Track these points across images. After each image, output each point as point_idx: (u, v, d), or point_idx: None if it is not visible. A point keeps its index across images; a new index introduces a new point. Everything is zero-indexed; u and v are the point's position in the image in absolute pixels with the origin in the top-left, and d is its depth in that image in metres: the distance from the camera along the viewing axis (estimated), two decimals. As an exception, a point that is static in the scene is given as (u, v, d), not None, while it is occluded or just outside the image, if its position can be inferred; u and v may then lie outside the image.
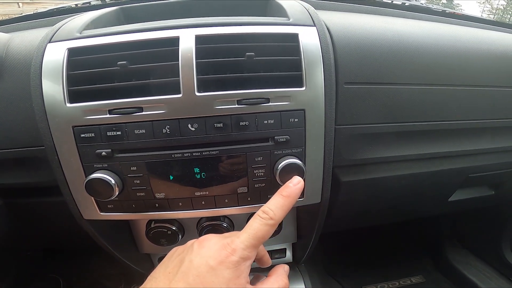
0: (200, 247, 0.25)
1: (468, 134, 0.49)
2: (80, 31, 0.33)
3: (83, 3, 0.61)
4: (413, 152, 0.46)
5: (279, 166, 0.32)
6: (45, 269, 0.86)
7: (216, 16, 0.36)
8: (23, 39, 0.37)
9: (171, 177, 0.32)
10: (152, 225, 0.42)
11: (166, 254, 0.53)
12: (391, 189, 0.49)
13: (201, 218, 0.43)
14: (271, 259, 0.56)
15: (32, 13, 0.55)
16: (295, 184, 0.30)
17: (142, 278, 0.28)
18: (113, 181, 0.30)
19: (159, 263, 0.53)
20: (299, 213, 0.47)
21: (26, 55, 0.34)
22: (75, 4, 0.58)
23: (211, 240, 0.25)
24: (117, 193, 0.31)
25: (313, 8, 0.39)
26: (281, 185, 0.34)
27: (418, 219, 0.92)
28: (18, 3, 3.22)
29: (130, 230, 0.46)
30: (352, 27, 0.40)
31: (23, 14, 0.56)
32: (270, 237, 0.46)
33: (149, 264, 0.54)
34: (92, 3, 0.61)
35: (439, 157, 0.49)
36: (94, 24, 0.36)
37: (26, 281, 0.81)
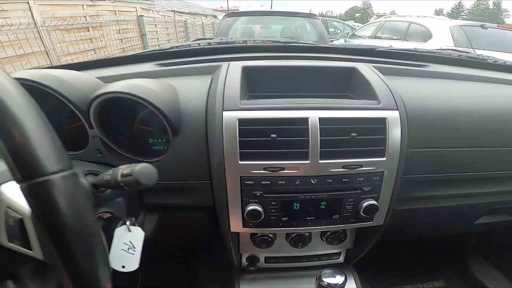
0: None
1: (496, 180, 0.63)
2: (239, 100, 0.48)
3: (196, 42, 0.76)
4: (454, 192, 0.61)
5: (363, 205, 0.50)
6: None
7: (312, 80, 0.51)
8: (190, 99, 0.51)
9: (295, 208, 0.50)
10: (259, 234, 0.60)
11: (253, 254, 0.71)
12: (432, 215, 0.65)
13: None
14: (327, 260, 0.75)
15: (156, 51, 0.71)
16: None
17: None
18: (261, 210, 0.49)
19: (247, 261, 0.72)
20: (360, 229, 0.64)
21: (199, 116, 0.49)
22: (197, 43, 0.72)
23: None
24: (261, 218, 0.49)
25: (397, 91, 0.52)
26: (362, 216, 0.51)
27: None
28: (82, 5, 3.50)
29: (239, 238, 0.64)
30: (422, 105, 0.54)
31: (150, 52, 0.71)
32: (337, 243, 0.64)
33: (239, 263, 0.72)
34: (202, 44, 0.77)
35: (473, 195, 0.64)
36: (242, 87, 0.51)
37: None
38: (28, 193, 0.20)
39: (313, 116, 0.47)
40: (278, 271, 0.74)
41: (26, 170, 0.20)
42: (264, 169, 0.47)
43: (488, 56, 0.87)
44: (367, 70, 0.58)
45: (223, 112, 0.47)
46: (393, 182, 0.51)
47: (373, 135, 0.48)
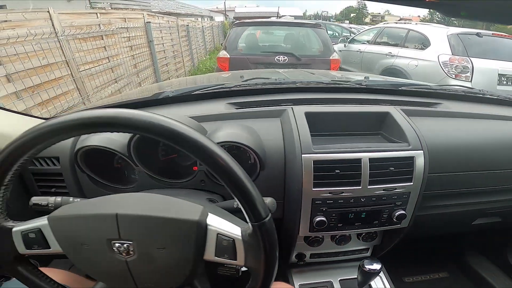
0: None
1: (489, 192, 0.84)
2: (311, 146, 0.66)
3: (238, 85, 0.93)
4: (458, 202, 0.82)
5: (396, 214, 0.70)
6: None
7: (355, 121, 0.72)
8: (271, 140, 0.69)
9: (348, 217, 0.70)
10: (312, 236, 0.80)
11: (300, 252, 0.90)
12: (441, 218, 0.86)
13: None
14: (358, 254, 0.94)
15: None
16: None
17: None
18: (325, 220, 0.68)
19: (295, 258, 0.91)
20: (388, 230, 0.84)
21: (279, 155, 0.67)
22: (255, 83, 0.88)
23: None
24: (325, 226, 0.69)
25: (420, 132, 0.72)
26: (394, 221, 0.71)
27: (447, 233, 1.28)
28: (96, 13, 3.62)
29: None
30: (439, 142, 0.74)
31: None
32: (370, 241, 0.84)
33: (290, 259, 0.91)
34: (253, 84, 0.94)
35: (472, 203, 0.84)
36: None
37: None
38: (258, 229, 0.36)
39: (365, 156, 0.67)
40: (321, 264, 0.94)
41: (255, 217, 0.36)
42: (329, 193, 0.67)
43: (487, 91, 1.07)
44: (397, 114, 0.78)
45: (302, 155, 0.66)
46: (416, 197, 0.71)
47: (404, 168, 0.69)
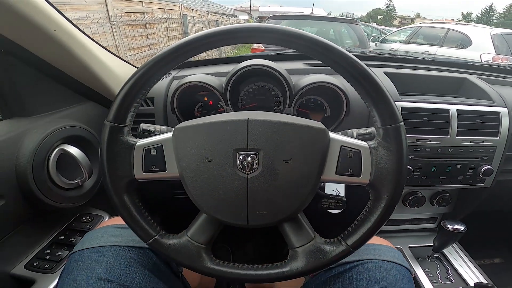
0: None
1: None
2: (398, 94, 0.69)
3: None
4: None
5: (482, 169, 0.72)
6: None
7: (434, 84, 0.73)
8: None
9: (432, 170, 0.73)
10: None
11: None
12: None
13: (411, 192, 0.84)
14: (423, 223, 0.95)
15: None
16: None
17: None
18: (411, 168, 0.71)
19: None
20: (463, 195, 0.85)
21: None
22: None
23: None
24: (410, 176, 0.72)
25: (502, 95, 0.74)
26: (479, 178, 0.72)
27: (500, 217, 1.24)
28: (142, 2, 3.85)
29: None
30: None
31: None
32: (443, 205, 0.84)
33: None
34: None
35: None
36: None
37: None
38: (394, 132, 0.35)
39: (453, 108, 0.70)
40: (384, 233, 0.95)
41: (393, 118, 0.35)
42: (417, 140, 0.70)
43: None
44: (476, 80, 0.80)
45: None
46: (501, 155, 0.73)
47: (491, 122, 0.71)
